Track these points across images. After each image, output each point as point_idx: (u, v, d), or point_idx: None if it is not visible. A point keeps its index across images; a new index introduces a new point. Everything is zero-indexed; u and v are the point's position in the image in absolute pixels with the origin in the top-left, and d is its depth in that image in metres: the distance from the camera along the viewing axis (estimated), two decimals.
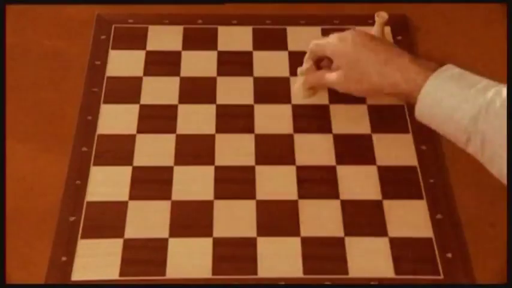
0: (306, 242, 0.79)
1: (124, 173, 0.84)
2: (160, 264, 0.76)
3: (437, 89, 0.74)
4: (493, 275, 0.76)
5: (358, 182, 0.84)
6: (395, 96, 0.85)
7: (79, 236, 0.78)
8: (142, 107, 0.91)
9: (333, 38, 0.86)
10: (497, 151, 0.69)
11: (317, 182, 0.84)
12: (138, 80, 0.94)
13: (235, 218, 0.81)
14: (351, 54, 0.83)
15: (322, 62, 0.91)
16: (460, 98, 0.72)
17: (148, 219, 0.80)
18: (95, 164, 0.85)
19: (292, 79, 0.95)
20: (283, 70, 0.96)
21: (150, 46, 0.99)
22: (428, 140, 0.88)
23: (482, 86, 0.72)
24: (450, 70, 0.76)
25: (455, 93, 0.73)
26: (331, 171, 0.85)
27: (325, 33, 1.00)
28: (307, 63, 0.91)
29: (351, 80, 0.84)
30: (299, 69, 0.92)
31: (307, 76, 0.91)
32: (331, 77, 0.87)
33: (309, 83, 0.91)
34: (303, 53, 0.95)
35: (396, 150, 0.86)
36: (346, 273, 0.76)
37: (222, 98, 0.92)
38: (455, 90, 0.73)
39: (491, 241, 0.79)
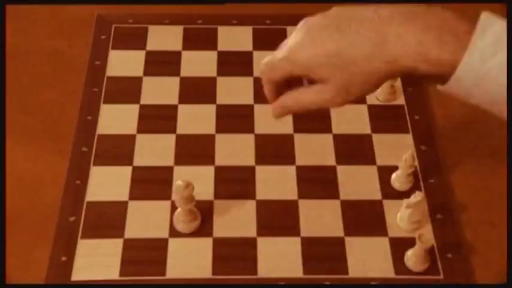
0: (306, 242, 0.79)
1: (124, 173, 0.84)
2: (160, 264, 0.76)
3: (483, 65, 0.52)
4: (493, 275, 0.76)
5: (358, 182, 0.84)
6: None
7: (79, 236, 0.78)
8: (142, 107, 0.91)
9: (286, 46, 0.58)
10: None
11: (317, 182, 0.84)
12: (138, 80, 0.94)
13: (235, 218, 0.81)
14: (325, 50, 0.56)
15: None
16: None
17: (148, 219, 0.80)
18: (95, 164, 0.85)
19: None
20: None
21: (150, 46, 0.99)
22: (428, 140, 0.88)
23: None
24: (490, 28, 0.55)
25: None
26: (331, 171, 0.85)
27: None
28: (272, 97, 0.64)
29: (345, 84, 0.58)
30: (407, 202, 0.79)
31: (283, 101, 0.63)
32: (314, 94, 0.60)
33: (287, 109, 0.64)
34: None
35: (396, 150, 0.86)
36: (346, 273, 0.76)
37: (222, 98, 0.92)
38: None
39: (491, 241, 0.79)
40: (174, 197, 0.78)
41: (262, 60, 0.60)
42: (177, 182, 0.75)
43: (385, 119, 0.91)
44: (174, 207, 0.81)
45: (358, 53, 0.55)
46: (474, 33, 0.53)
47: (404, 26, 0.54)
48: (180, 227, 0.79)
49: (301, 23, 0.59)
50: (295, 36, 0.58)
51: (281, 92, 0.62)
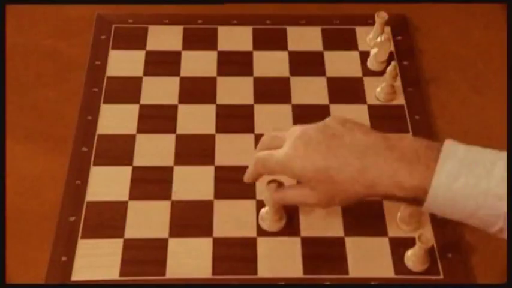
0: (306, 242, 0.79)
1: (124, 173, 0.84)
2: (160, 264, 0.76)
3: (450, 188, 0.59)
4: (493, 275, 0.76)
5: None
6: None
7: (79, 236, 0.78)
8: (142, 107, 0.91)
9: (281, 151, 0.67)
10: None
11: None
12: (138, 80, 0.94)
13: (235, 218, 0.81)
14: (316, 166, 0.65)
15: None
16: (482, 195, 0.58)
17: (148, 219, 0.80)
18: (95, 164, 0.85)
19: (292, 79, 0.94)
20: (283, 70, 0.96)
21: (150, 46, 0.99)
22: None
23: (502, 167, 0.58)
24: (453, 155, 0.60)
25: (475, 190, 0.58)
26: None
27: (325, 33, 1.01)
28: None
29: (325, 195, 0.67)
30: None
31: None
32: (300, 196, 0.70)
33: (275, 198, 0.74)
34: (303, 53, 0.96)
35: None
36: (346, 273, 0.76)
37: (222, 98, 0.92)
38: (473, 186, 0.58)
39: (491, 241, 0.79)
40: (263, 196, 0.77)
41: (258, 154, 0.70)
42: (270, 184, 0.74)
43: (385, 119, 0.91)
44: (173, 207, 0.81)
45: (342, 176, 0.63)
46: (438, 161, 0.59)
47: (382, 156, 0.62)
48: (266, 225, 0.79)
49: (299, 133, 0.67)
50: (293, 144, 0.66)
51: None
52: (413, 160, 0.61)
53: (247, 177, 0.74)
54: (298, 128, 0.68)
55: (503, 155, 0.59)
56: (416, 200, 0.62)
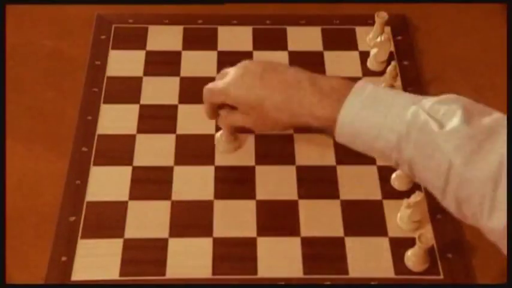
0: (306, 242, 0.79)
1: (124, 173, 0.84)
2: (160, 264, 0.76)
3: (353, 119, 0.66)
4: (493, 275, 0.76)
5: (358, 182, 0.84)
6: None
7: (79, 236, 0.78)
8: (142, 107, 0.91)
9: (226, 80, 0.76)
10: (428, 176, 0.63)
11: (317, 182, 0.84)
12: (138, 80, 0.94)
13: (235, 218, 0.81)
14: (248, 94, 0.74)
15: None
16: (378, 126, 0.64)
17: (148, 219, 0.80)
18: (95, 164, 0.85)
19: None
20: None
21: (150, 46, 0.99)
22: None
23: (401, 106, 0.64)
24: (361, 92, 0.67)
25: (373, 122, 0.65)
26: (331, 171, 0.85)
27: (325, 33, 1.01)
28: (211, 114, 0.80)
29: (260, 123, 0.76)
30: (407, 202, 0.79)
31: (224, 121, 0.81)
32: (241, 117, 0.77)
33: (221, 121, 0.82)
34: (303, 53, 0.95)
35: None
36: (346, 273, 0.76)
37: None
38: (372, 118, 0.65)
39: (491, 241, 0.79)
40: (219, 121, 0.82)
41: (205, 86, 0.78)
42: (223, 108, 0.79)
43: None
44: (173, 207, 0.81)
45: (269, 104, 0.72)
46: (348, 95, 0.67)
47: (304, 90, 0.70)
48: (221, 147, 0.85)
49: (241, 64, 0.77)
50: (233, 74, 0.75)
51: (217, 111, 0.80)
52: (328, 94, 0.69)
53: (206, 114, 0.81)
54: (243, 61, 0.78)
55: (412, 99, 0.65)
56: (329, 130, 0.69)
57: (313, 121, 0.70)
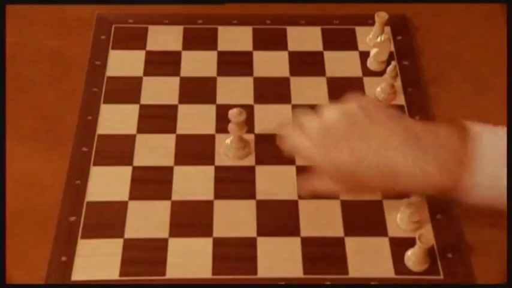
0: (306, 242, 0.79)
1: (124, 173, 0.84)
2: (160, 264, 0.76)
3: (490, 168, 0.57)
4: (493, 275, 0.76)
5: None
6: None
7: (79, 236, 0.78)
8: (142, 107, 0.91)
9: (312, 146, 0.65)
10: None
11: None
12: (138, 80, 0.94)
13: (235, 218, 0.81)
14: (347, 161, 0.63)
15: None
16: None
17: (148, 219, 0.80)
18: (95, 164, 0.85)
19: (292, 79, 0.95)
20: (283, 70, 0.96)
21: (150, 46, 0.99)
22: None
23: None
24: (484, 135, 0.58)
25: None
26: None
27: (325, 33, 1.01)
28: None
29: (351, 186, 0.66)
30: (407, 202, 0.78)
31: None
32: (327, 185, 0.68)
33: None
34: (303, 53, 0.95)
35: None
36: (346, 273, 0.76)
37: (222, 98, 0.92)
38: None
39: (491, 241, 0.79)
40: (229, 127, 0.83)
41: (295, 140, 0.67)
42: (232, 110, 0.81)
43: None
44: (173, 207, 0.81)
45: (361, 171, 0.61)
46: (474, 160, 0.56)
47: (402, 151, 0.59)
48: (231, 154, 0.84)
49: (319, 127, 0.64)
50: (315, 142, 0.64)
51: None
52: (440, 155, 0.58)
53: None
54: (318, 121, 0.65)
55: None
56: (445, 193, 0.60)
57: (431, 190, 0.61)
